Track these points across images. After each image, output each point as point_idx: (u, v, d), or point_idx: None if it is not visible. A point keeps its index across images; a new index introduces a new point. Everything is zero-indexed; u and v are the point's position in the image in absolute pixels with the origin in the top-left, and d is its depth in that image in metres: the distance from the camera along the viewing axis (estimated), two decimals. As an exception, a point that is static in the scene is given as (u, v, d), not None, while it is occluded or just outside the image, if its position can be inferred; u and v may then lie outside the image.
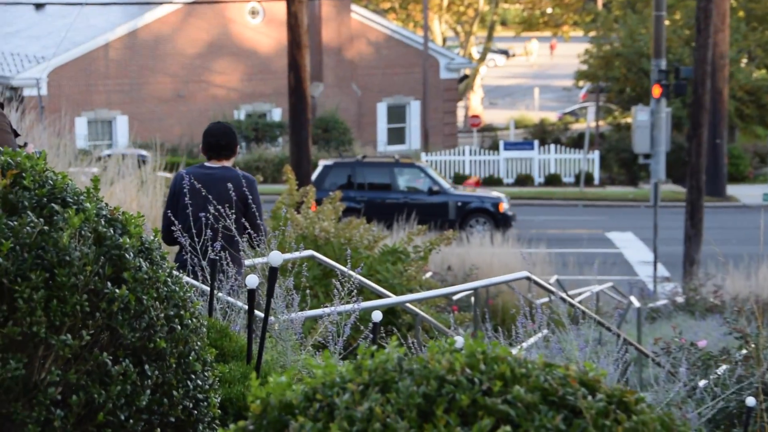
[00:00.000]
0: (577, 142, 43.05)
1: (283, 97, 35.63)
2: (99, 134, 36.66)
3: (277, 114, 39.61)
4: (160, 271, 3.46)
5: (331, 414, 2.46)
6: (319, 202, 13.47)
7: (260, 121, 39.02)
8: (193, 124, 36.11)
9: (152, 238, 3.55)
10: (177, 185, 7.08)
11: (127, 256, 3.34)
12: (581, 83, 50.41)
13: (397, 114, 42.65)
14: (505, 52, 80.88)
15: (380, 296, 8.86)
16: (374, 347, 2.70)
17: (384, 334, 6.95)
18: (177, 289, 3.50)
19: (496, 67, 76.56)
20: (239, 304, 6.04)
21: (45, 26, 38.30)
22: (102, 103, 36.89)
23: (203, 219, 6.52)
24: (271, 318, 5.60)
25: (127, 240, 3.37)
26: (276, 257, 4.33)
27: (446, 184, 28.32)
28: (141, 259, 3.40)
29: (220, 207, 6.46)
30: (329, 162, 28.79)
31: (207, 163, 7.24)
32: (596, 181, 39.04)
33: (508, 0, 57.18)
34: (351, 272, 7.01)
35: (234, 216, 6.45)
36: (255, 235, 6.71)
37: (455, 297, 14.30)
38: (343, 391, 2.50)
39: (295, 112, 22.71)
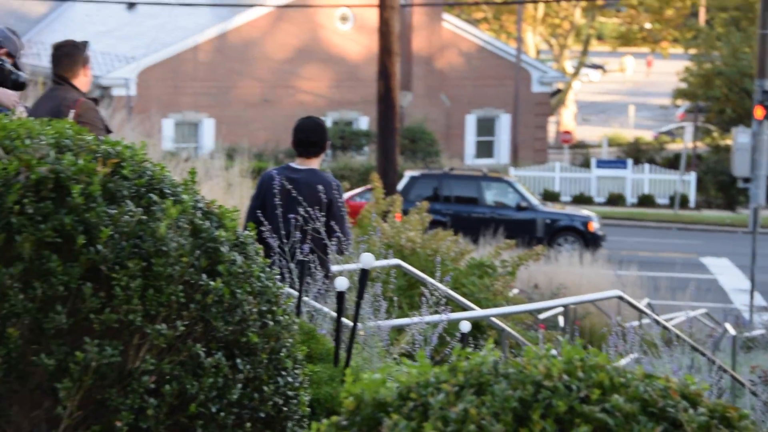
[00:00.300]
0: (672, 163, 42.38)
1: (370, 105, 35.73)
2: (185, 136, 37.04)
3: (364, 122, 39.71)
4: (254, 265, 3.46)
5: (425, 413, 2.43)
6: (405, 213, 13.45)
7: (347, 129, 39.14)
8: (278, 129, 36.26)
9: (247, 232, 3.56)
10: (265, 184, 7.00)
11: (222, 249, 3.35)
12: (679, 102, 49.66)
13: (486, 127, 42.47)
14: (600, 67, 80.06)
15: (465, 309, 8.80)
16: (470, 349, 2.66)
17: (473, 346, 6.88)
18: (270, 284, 3.50)
19: (589, 82, 75.90)
20: (325, 309, 6.04)
21: (136, 26, 38.84)
22: (189, 106, 37.27)
23: (292, 221, 6.51)
24: (358, 324, 5.59)
25: (223, 233, 3.38)
26: (367, 259, 4.33)
27: (535, 201, 28.09)
28: (236, 253, 3.40)
29: (310, 209, 6.46)
30: (416, 173, 28.74)
31: (293, 164, 7.09)
32: (692, 204, 38.36)
33: (605, 14, 56.55)
34: (438, 284, 6.97)
35: (324, 220, 6.45)
36: (344, 239, 6.68)
37: (542, 316, 14.17)
38: (438, 391, 2.48)
39: (384, 121, 22.70)
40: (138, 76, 36.07)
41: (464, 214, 27.34)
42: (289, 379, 3.47)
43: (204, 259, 3.30)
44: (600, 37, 74.65)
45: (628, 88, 74.75)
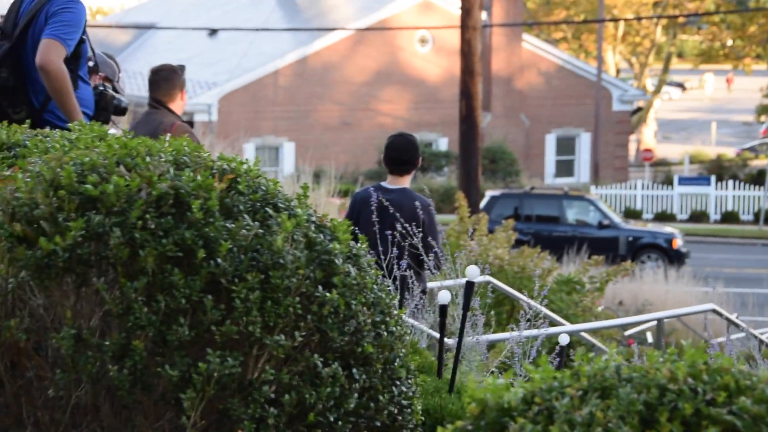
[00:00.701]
0: (756, 179, 41.72)
1: (449, 126, 35.74)
2: (266, 161, 37.36)
3: (443, 144, 39.76)
4: (367, 277, 3.52)
5: (550, 417, 2.46)
6: (490, 232, 13.48)
7: (426, 150, 39.19)
8: (357, 152, 36.42)
9: (360, 244, 3.63)
10: (360, 202, 7.04)
11: (336, 261, 3.42)
12: (763, 118, 48.95)
13: (566, 146, 42.26)
14: (680, 85, 79.40)
15: (555, 325, 8.83)
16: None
17: (571, 360, 6.86)
18: (383, 295, 3.55)
19: (670, 100, 75.21)
20: (423, 327, 6.09)
21: (217, 53, 39.32)
22: (269, 130, 37.59)
23: (389, 237, 6.57)
24: (454, 339, 5.62)
25: (337, 246, 3.45)
26: (473, 271, 4.36)
27: (617, 218, 27.89)
28: (349, 265, 3.47)
29: (407, 225, 6.52)
30: (496, 192, 28.73)
31: (384, 184, 7.12)
32: (776, 220, 37.69)
33: (686, 31, 55.95)
34: (529, 300, 6.98)
35: (420, 236, 6.51)
36: (441, 254, 6.73)
37: (628, 332, 14.09)
38: (562, 395, 2.51)
39: (466, 141, 22.75)
40: (219, 101, 36.54)
41: (545, 233, 27.23)
42: (403, 388, 3.52)
43: (319, 272, 3.37)
44: (681, 55, 73.89)
45: (708, 105, 73.89)
